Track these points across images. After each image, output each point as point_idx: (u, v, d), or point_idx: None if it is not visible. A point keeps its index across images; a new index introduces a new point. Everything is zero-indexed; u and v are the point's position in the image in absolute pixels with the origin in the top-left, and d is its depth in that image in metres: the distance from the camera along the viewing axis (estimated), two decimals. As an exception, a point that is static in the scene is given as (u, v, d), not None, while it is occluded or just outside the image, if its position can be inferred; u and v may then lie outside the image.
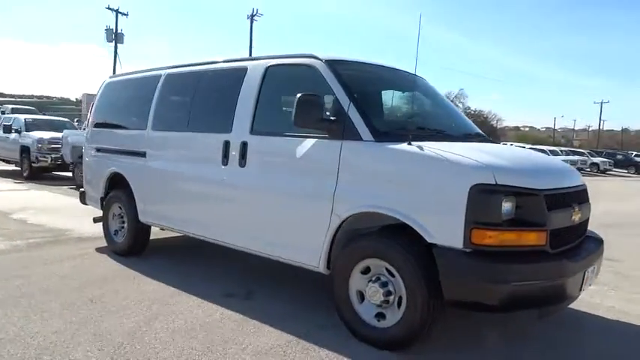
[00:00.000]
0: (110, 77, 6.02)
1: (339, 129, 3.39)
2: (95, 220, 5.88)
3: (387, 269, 3.19)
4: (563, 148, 38.43)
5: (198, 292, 4.17)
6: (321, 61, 3.68)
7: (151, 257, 5.31)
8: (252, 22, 36.99)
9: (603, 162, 36.55)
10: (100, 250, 5.59)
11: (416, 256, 3.04)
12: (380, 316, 3.25)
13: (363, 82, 3.85)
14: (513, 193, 2.89)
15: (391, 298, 3.19)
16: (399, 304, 3.15)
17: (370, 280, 3.26)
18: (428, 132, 3.56)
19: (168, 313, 3.73)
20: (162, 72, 5.12)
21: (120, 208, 5.43)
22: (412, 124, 3.57)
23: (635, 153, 45.29)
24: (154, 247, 5.60)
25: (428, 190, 3.02)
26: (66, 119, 17.15)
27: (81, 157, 12.47)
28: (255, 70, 4.10)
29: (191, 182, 4.54)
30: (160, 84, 5.02)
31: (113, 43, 34.65)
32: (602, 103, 67.85)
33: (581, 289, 3.24)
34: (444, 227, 2.93)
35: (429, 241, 2.98)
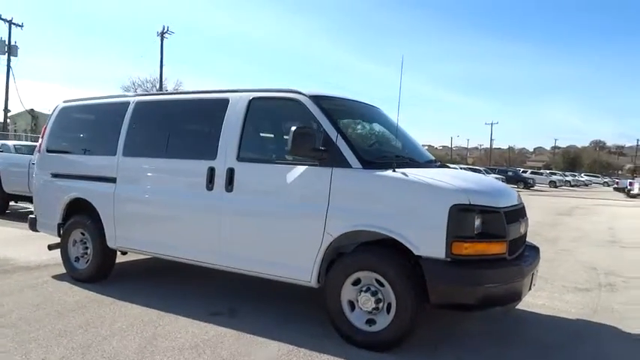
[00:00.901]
0: (64, 102, 5.92)
1: (330, 157, 3.82)
2: (50, 247, 5.74)
3: (376, 280, 3.66)
4: (463, 166, 41.58)
5: (183, 313, 4.34)
6: (306, 96, 4.09)
7: (117, 282, 5.32)
8: (162, 40, 36.41)
9: (497, 178, 40.08)
10: (58, 277, 5.48)
11: (404, 268, 3.55)
12: (370, 321, 3.70)
13: (345, 115, 4.33)
14: (482, 211, 3.51)
15: (380, 305, 3.65)
16: (388, 310, 3.62)
17: (361, 291, 3.70)
18: (403, 160, 4.10)
19: (165, 334, 3.89)
20: (130, 99, 5.24)
21: (82, 234, 5.38)
22: (390, 153, 4.11)
23: (522, 169, 50.28)
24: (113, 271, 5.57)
25: (414, 210, 3.55)
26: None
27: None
28: (238, 101, 4.40)
29: (172, 206, 4.68)
30: (129, 111, 5.12)
31: (5, 56, 32.34)
32: (492, 124, 74.92)
33: (530, 289, 3.93)
34: (429, 241, 3.47)
35: (416, 253, 3.50)
